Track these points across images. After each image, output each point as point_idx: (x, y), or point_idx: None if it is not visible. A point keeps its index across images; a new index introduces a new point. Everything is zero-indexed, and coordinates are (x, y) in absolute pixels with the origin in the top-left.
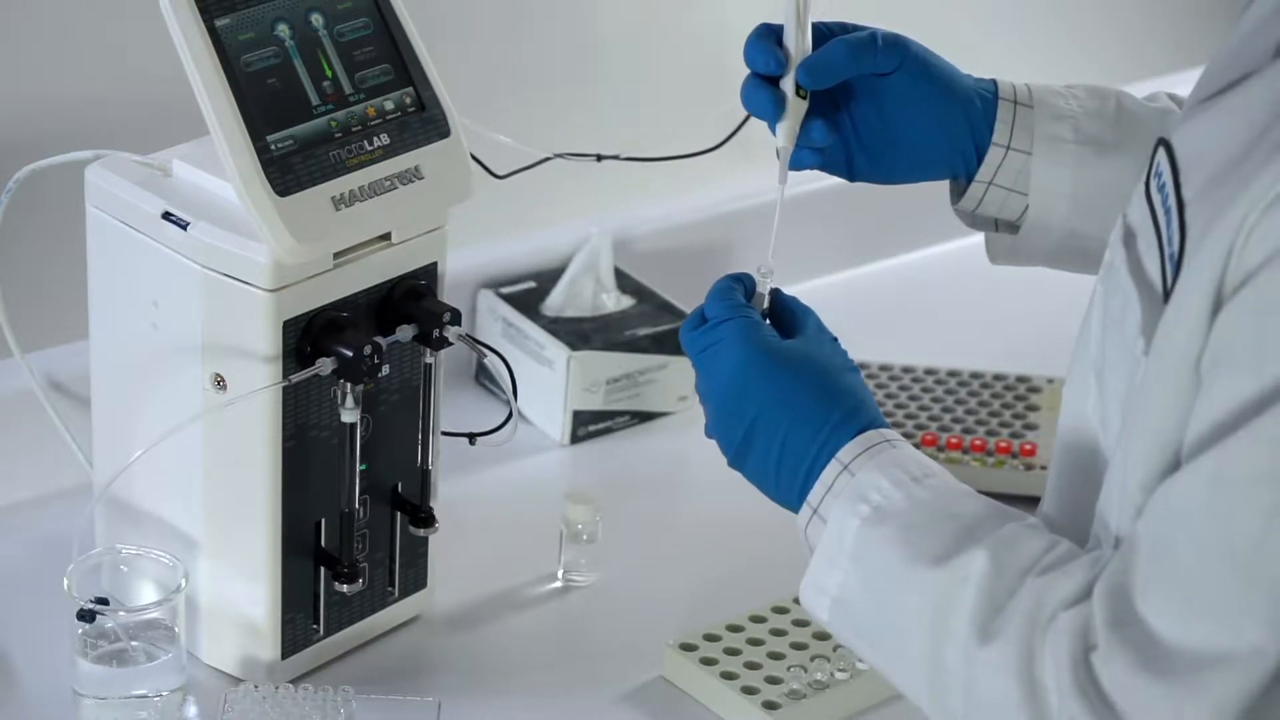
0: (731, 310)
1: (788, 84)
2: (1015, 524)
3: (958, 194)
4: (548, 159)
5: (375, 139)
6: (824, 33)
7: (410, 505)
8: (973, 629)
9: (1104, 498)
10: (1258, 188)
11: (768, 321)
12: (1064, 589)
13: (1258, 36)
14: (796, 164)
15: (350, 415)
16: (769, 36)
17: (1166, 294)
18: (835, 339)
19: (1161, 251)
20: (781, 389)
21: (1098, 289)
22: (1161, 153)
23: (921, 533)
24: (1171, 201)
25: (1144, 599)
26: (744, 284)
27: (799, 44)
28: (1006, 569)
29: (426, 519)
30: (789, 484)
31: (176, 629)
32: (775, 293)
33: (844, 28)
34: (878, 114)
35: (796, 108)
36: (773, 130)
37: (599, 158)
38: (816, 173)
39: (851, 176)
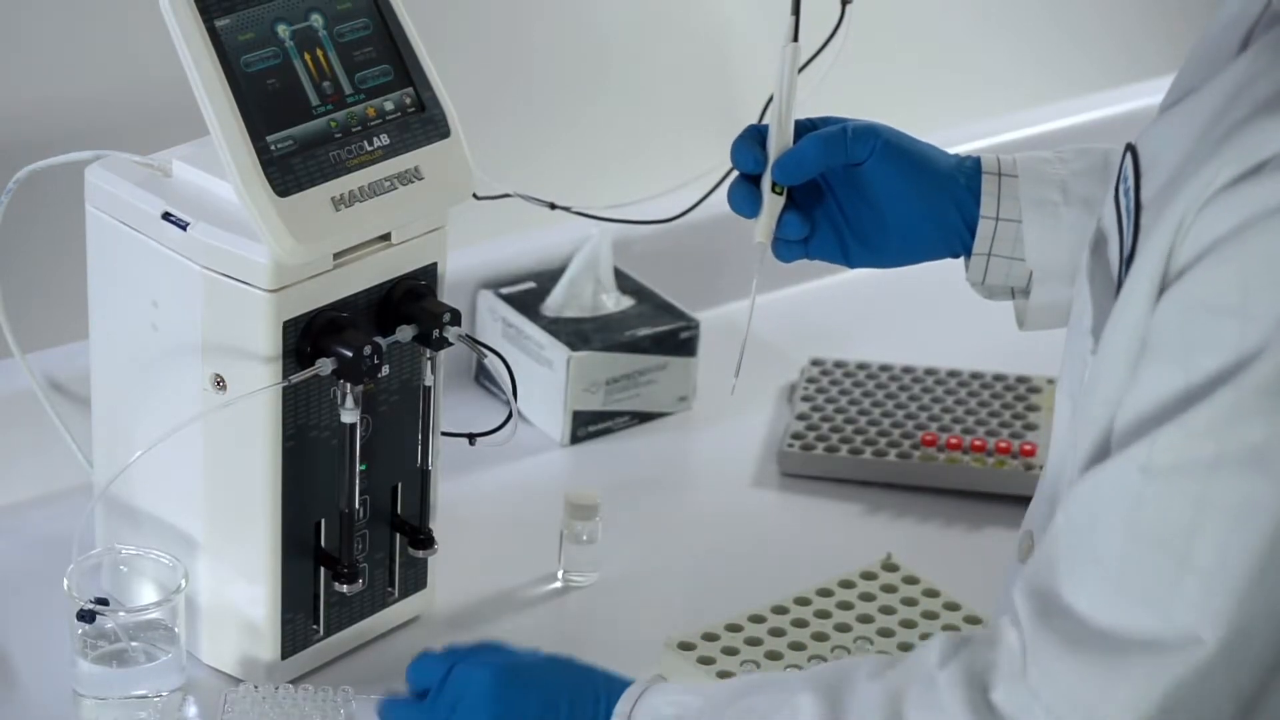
0: None
1: (765, 181)
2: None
3: (968, 268)
4: (507, 195)
5: (375, 139)
6: (806, 128)
7: (410, 527)
8: None
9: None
10: (1196, 185)
11: None
12: (921, 660)
13: (1219, 42)
14: (780, 256)
15: (350, 415)
16: (753, 137)
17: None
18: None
19: (1121, 253)
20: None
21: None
22: (1127, 157)
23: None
24: (1132, 204)
25: (1071, 587)
26: None
27: (777, 142)
28: (834, 694)
29: (426, 540)
30: None
31: (176, 629)
32: None
33: (825, 122)
34: (862, 202)
35: (772, 204)
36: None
37: (552, 206)
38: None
39: (849, 263)
